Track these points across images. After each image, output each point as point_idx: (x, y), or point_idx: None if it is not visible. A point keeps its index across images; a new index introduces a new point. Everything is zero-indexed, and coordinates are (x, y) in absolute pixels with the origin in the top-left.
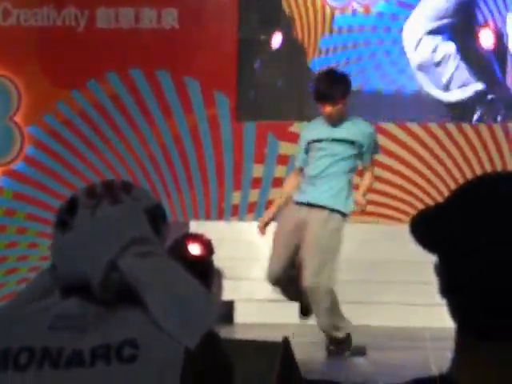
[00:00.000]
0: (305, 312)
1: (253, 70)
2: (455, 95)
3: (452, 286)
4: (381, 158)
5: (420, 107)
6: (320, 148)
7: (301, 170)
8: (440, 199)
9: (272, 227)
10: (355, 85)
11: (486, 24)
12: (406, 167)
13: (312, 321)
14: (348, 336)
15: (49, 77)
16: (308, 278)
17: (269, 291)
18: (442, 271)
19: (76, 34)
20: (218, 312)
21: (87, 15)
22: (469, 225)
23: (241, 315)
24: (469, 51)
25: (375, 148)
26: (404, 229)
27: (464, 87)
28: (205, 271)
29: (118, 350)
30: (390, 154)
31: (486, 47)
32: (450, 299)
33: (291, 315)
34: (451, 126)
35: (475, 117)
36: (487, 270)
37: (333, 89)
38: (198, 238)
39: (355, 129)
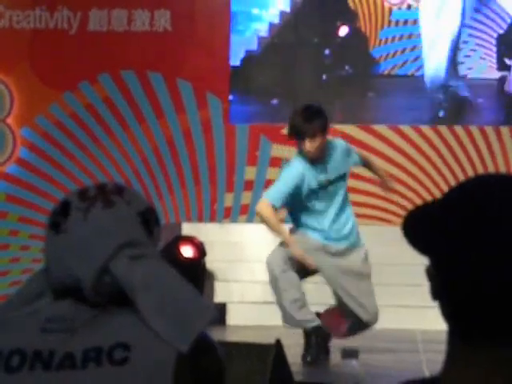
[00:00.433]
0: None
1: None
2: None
3: (443, 289)
4: (373, 159)
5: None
6: (315, 194)
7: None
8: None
9: (258, 229)
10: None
11: None
12: (398, 169)
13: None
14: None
15: (41, 79)
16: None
17: (261, 293)
18: (434, 274)
19: (68, 35)
20: (211, 314)
21: (80, 17)
22: (460, 227)
23: (233, 317)
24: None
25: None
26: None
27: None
28: (197, 273)
29: (110, 353)
30: (382, 155)
31: None
32: (441, 302)
33: None
34: (443, 128)
35: None
36: (478, 273)
37: (312, 124)
38: (190, 240)
39: (339, 158)
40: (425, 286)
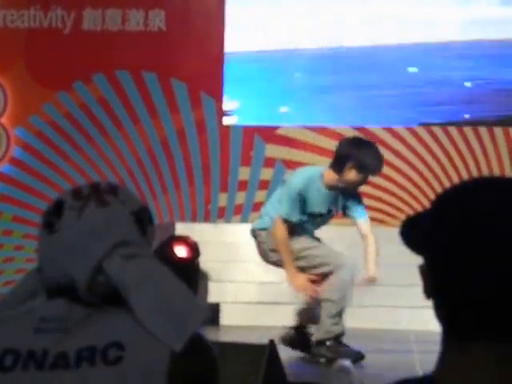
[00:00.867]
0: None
1: None
2: None
3: (436, 288)
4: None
5: None
6: (319, 218)
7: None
8: (426, 202)
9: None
10: None
11: None
12: (393, 170)
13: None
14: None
15: (35, 78)
16: None
17: (254, 293)
18: (427, 273)
19: (63, 35)
20: (204, 314)
21: (74, 17)
22: (448, 230)
23: (226, 317)
24: None
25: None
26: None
27: None
28: (191, 273)
29: (104, 352)
30: None
31: None
32: (435, 300)
33: (276, 317)
34: (438, 130)
35: None
36: (467, 274)
37: (382, 163)
38: (184, 240)
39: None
40: (418, 286)
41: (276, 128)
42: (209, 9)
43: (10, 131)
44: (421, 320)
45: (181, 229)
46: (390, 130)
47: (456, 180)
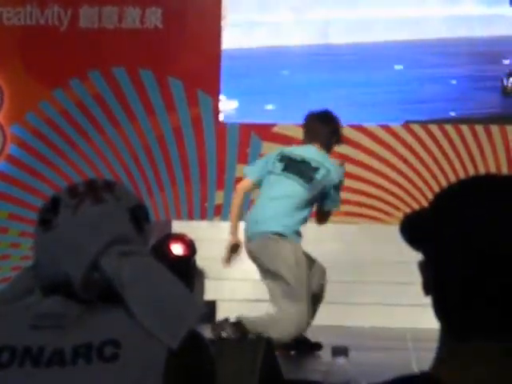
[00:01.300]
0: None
1: None
2: None
3: (437, 284)
4: (363, 158)
5: None
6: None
7: None
8: (422, 200)
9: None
10: None
11: None
12: (388, 168)
13: None
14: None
15: (31, 76)
16: None
17: (251, 291)
18: (426, 269)
19: (59, 32)
20: (201, 312)
21: (70, 14)
22: (452, 223)
23: (223, 315)
24: None
25: None
26: (385, 229)
27: None
28: (187, 271)
29: (100, 349)
30: (372, 154)
31: None
32: (434, 296)
33: None
34: (433, 127)
35: None
36: (472, 269)
37: None
38: (180, 237)
39: None
40: (415, 284)
41: (272, 126)
42: (205, 6)
43: (5, 129)
44: (417, 318)
45: (177, 226)
46: (386, 128)
47: (452, 178)
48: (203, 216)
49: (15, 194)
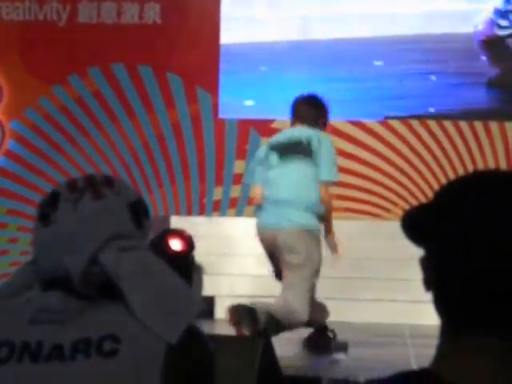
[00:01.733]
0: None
1: None
2: None
3: (438, 279)
4: (361, 154)
5: None
6: None
7: None
8: (420, 196)
9: (247, 222)
10: None
11: None
12: (387, 163)
13: None
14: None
15: (30, 72)
16: None
17: (249, 287)
18: (427, 264)
19: (58, 28)
20: (199, 307)
21: (69, 9)
22: (454, 219)
23: (221, 311)
24: None
25: None
26: (384, 225)
27: None
28: (185, 267)
29: (99, 345)
30: (371, 150)
31: None
32: (435, 292)
33: None
34: (432, 123)
35: None
36: (474, 265)
37: None
38: (179, 233)
39: None
40: (414, 280)
41: (271, 121)
42: (204, 2)
43: (5, 124)
44: (416, 314)
45: (176, 222)
46: (383, 123)
47: (451, 173)
48: (202, 212)
49: (14, 189)
